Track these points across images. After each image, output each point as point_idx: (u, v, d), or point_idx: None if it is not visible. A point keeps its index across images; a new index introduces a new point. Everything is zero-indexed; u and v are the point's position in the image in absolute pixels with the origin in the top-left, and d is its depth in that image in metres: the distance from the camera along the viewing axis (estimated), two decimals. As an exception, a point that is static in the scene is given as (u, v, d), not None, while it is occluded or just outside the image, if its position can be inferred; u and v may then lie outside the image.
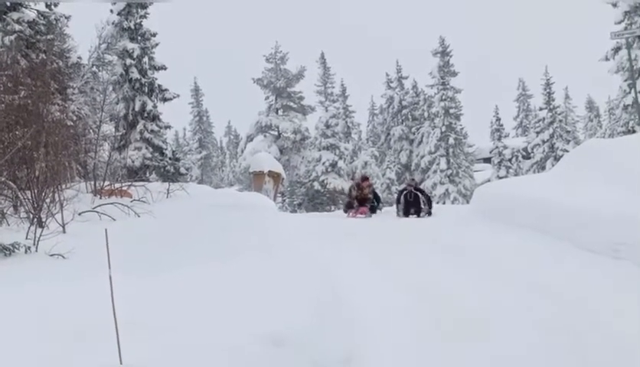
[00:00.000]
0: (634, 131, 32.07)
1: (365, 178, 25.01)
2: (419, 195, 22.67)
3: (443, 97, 57.83)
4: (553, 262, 10.85)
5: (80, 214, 13.87)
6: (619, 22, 37.54)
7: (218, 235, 12.33)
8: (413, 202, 22.43)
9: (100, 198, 16.19)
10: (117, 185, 17.57)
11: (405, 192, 22.85)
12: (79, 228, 12.53)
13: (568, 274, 9.87)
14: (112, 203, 15.08)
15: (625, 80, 38.51)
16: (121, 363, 4.99)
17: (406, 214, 22.25)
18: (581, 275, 9.65)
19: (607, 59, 39.85)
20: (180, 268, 9.36)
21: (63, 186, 14.63)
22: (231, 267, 9.62)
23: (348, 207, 24.08)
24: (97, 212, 14.30)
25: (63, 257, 10.72)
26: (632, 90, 31.54)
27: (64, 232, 12.56)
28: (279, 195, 43.84)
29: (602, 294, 8.34)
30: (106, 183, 17.36)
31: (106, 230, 5.29)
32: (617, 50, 38.75)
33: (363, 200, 23.66)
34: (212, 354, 5.74)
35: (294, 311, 7.41)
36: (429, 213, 22.19)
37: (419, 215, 21.89)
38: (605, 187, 12.84)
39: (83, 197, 15.62)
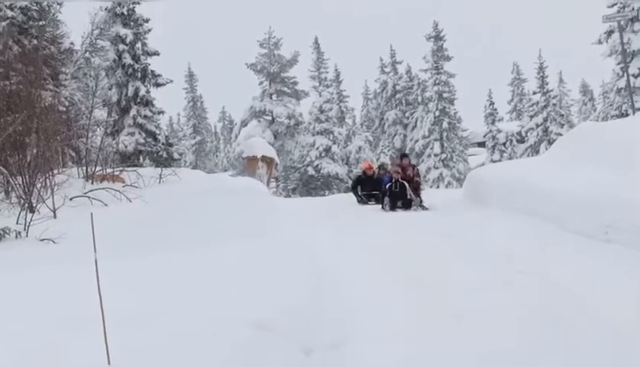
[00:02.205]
0: (627, 115, 32.12)
1: (405, 155, 21.67)
2: (406, 185, 18.91)
3: (437, 81, 57.66)
4: (543, 246, 10.87)
5: (71, 199, 13.91)
6: (612, 5, 37.51)
7: (209, 220, 12.38)
8: (399, 194, 18.91)
9: (92, 183, 16.23)
10: (109, 170, 17.58)
11: (390, 183, 19.06)
12: (70, 214, 12.57)
13: (557, 257, 9.90)
14: (103, 188, 15.12)
15: (618, 63, 38.57)
16: (109, 363, 4.95)
17: (393, 208, 18.86)
18: (570, 258, 9.68)
19: (600, 42, 39.85)
20: (169, 253, 9.41)
21: (55, 172, 14.67)
22: (221, 251, 9.65)
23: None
24: (89, 197, 14.34)
25: (54, 242, 10.78)
26: (625, 73, 31.53)
27: (55, 217, 12.62)
28: (273, 180, 43.79)
29: (590, 277, 8.34)
30: (98, 168, 17.37)
31: (91, 214, 5.30)
32: (610, 33, 38.71)
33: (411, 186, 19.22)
34: (200, 339, 5.75)
35: (284, 296, 7.43)
36: (422, 206, 18.99)
37: (408, 208, 18.64)
38: (597, 170, 12.87)
39: (75, 182, 15.67)
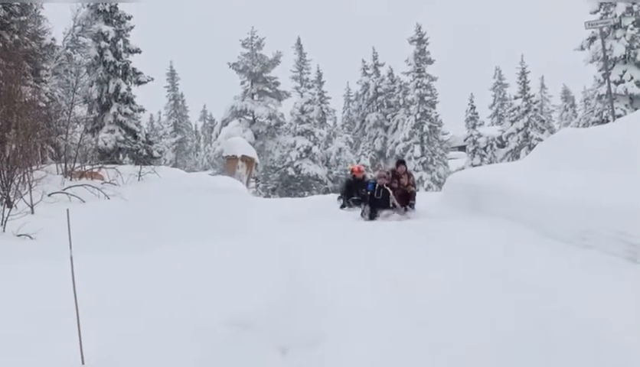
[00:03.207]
0: (607, 121, 32.29)
1: (402, 162, 18.77)
2: (390, 192, 16.98)
3: (419, 84, 57.81)
4: (521, 251, 10.93)
5: (49, 195, 13.90)
6: (595, 12, 37.72)
7: (187, 218, 12.44)
8: (382, 202, 17.04)
9: (71, 180, 16.21)
10: (88, 167, 17.57)
11: (374, 189, 17.26)
12: (48, 210, 12.56)
13: (535, 262, 9.96)
14: (82, 185, 15.10)
15: (600, 70, 38.70)
16: (83, 363, 4.95)
17: (373, 217, 16.95)
18: (548, 264, 9.73)
19: (582, 48, 39.98)
20: (147, 250, 9.46)
21: (34, 168, 14.65)
22: (199, 249, 9.73)
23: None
24: (67, 193, 14.34)
25: (31, 237, 10.80)
26: (606, 80, 31.73)
27: (33, 212, 12.61)
28: (253, 180, 43.83)
29: (569, 283, 8.38)
30: (77, 165, 17.35)
31: (67, 210, 5.34)
32: (592, 39, 38.83)
33: (404, 195, 17.51)
34: (175, 336, 5.80)
35: (261, 294, 7.50)
36: (407, 211, 17.17)
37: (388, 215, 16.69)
38: (576, 176, 12.93)
39: (53, 178, 15.63)
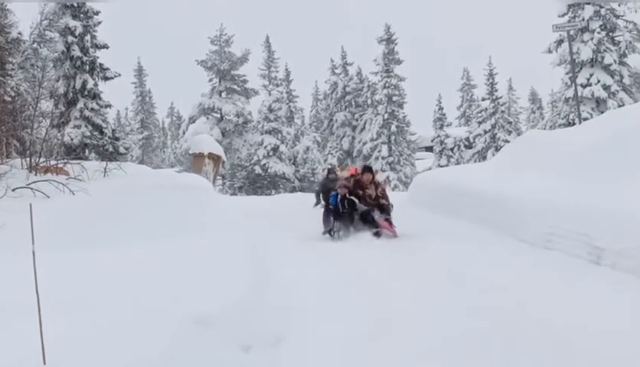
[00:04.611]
0: (574, 124, 32.51)
1: (367, 169, 15.15)
2: (355, 201, 13.93)
3: (387, 84, 58.08)
4: (482, 252, 10.98)
5: (13, 190, 13.81)
6: (563, 15, 37.98)
7: (152, 216, 12.39)
8: (347, 216, 13.92)
9: (36, 175, 16.11)
10: (53, 162, 17.48)
11: (336, 201, 14.17)
12: (11, 204, 12.48)
13: (496, 264, 10.01)
14: (47, 180, 15.01)
15: (567, 73, 38.83)
16: (44, 363, 4.90)
17: (339, 234, 13.80)
18: (509, 265, 9.78)
19: (550, 51, 40.19)
20: (111, 246, 9.45)
21: (-2, 162, 14.57)
22: (163, 246, 9.73)
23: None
24: (31, 188, 14.25)
25: (-8, 232, 10.73)
26: (573, 83, 31.98)
27: (-5, 207, 12.52)
28: (220, 177, 43.73)
29: (530, 285, 8.42)
30: (42, 160, 17.26)
31: (30, 205, 5.34)
32: (560, 42, 39.01)
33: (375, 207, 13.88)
34: (137, 332, 5.80)
35: (225, 292, 7.53)
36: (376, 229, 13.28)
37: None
38: (540, 178, 13.04)
39: (18, 173, 15.53)
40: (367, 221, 13.58)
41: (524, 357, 6.01)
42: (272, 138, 54.43)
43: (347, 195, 14.00)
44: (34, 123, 18.73)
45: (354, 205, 13.79)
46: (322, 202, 20.23)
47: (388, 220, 13.62)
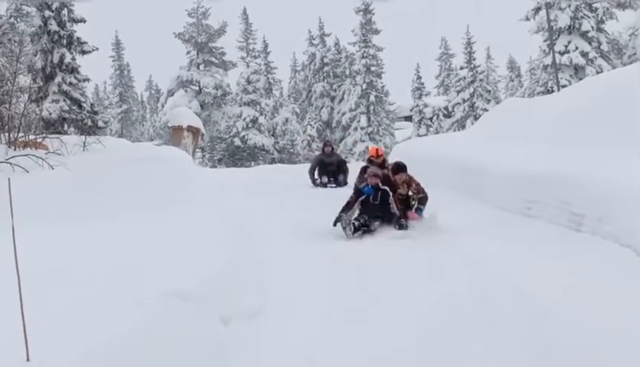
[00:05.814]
0: (552, 91, 32.64)
1: (401, 168, 12.53)
2: (389, 193, 11.70)
3: (365, 55, 57.91)
4: (463, 220, 11.05)
5: (-8, 165, 13.77)
6: (541, -18, 38.09)
7: (131, 190, 12.38)
8: (380, 208, 11.54)
9: (15, 150, 16.04)
10: (32, 137, 17.41)
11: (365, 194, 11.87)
12: (-10, 180, 12.44)
13: (476, 232, 10.10)
14: (26, 155, 14.95)
15: (545, 40, 39.04)
16: (28, 360, 4.75)
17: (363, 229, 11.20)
18: (490, 235, 9.86)
19: (527, 19, 40.37)
20: (90, 221, 9.46)
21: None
22: (142, 221, 9.75)
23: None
24: (10, 163, 14.19)
25: (-29, 208, 10.69)
26: (551, 51, 32.07)
27: (-26, 183, 12.47)
28: (199, 150, 43.64)
29: (511, 255, 8.53)
30: (21, 134, 17.18)
31: (9, 180, 5.31)
32: (537, 10, 39.25)
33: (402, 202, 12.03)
34: (116, 307, 5.84)
35: (205, 266, 7.57)
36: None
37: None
38: (520, 145, 13.14)
39: (-4, 148, 15.47)
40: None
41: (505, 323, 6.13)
42: (251, 110, 54.26)
43: (381, 185, 11.78)
44: (13, 98, 18.58)
45: (388, 197, 11.55)
46: (319, 179, 19.87)
47: (419, 210, 12.05)
